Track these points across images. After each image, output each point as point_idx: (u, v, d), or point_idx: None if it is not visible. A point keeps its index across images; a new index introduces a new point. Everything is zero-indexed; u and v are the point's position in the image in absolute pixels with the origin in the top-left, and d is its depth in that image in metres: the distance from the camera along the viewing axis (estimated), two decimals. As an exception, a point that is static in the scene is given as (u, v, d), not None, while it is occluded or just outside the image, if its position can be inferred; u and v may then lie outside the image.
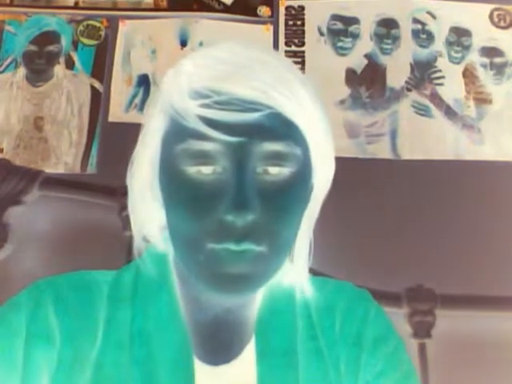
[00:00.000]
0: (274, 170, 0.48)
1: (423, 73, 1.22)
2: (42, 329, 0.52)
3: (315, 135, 0.52)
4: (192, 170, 0.48)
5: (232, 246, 0.47)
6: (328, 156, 0.55)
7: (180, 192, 0.49)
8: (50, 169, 1.09)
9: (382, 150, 1.17)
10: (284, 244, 0.51)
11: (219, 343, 0.56)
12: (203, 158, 0.47)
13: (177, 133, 0.49)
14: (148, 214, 0.56)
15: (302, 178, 0.51)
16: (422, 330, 1.00)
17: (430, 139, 1.18)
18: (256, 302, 0.58)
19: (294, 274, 0.59)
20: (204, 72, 0.48)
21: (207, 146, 0.47)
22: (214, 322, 0.56)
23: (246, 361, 0.55)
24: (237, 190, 0.46)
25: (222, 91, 0.47)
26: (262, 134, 0.47)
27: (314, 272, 0.61)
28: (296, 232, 0.53)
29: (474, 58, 1.23)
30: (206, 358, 0.54)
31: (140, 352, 0.52)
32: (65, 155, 1.12)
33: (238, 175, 0.47)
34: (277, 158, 0.48)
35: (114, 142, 1.12)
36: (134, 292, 0.56)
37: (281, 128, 0.48)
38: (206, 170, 0.48)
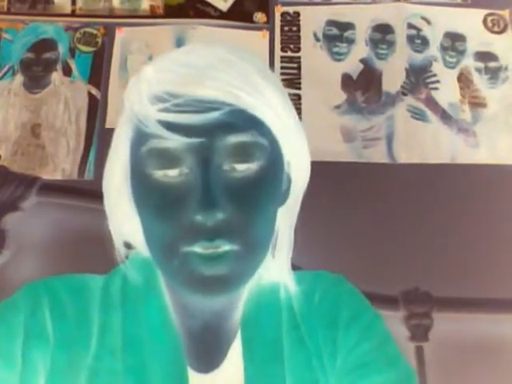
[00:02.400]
0: (241, 166, 0.48)
1: (418, 77, 1.22)
2: (38, 331, 0.52)
3: (282, 128, 0.51)
4: (159, 173, 0.48)
5: (205, 244, 0.47)
6: (302, 150, 0.55)
7: (149, 197, 0.49)
8: (47, 175, 1.09)
9: (378, 155, 1.17)
10: (259, 241, 0.50)
11: (210, 349, 0.56)
12: (168, 160, 0.47)
13: (141, 137, 0.49)
14: (127, 220, 0.55)
15: (272, 172, 0.50)
16: (419, 333, 1.00)
17: (425, 143, 1.18)
18: (242, 301, 0.58)
19: (277, 271, 0.58)
20: (163, 76, 0.48)
21: (169, 143, 0.47)
22: (204, 328, 0.56)
23: (234, 360, 0.55)
24: (203, 189, 0.46)
25: (180, 94, 0.46)
26: (224, 130, 0.47)
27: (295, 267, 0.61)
28: (272, 228, 0.53)
29: (469, 62, 1.24)
30: (197, 366, 0.54)
31: (133, 360, 0.52)
32: (62, 162, 1.13)
33: (203, 174, 0.46)
34: (243, 152, 0.48)
35: (111, 149, 1.12)
36: (123, 299, 0.56)
37: (243, 122, 0.47)
38: (173, 172, 0.48)
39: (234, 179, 0.48)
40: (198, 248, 0.47)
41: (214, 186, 0.46)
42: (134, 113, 0.49)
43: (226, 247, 0.47)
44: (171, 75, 0.48)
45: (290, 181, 0.56)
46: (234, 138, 0.47)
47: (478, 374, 1.03)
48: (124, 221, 0.56)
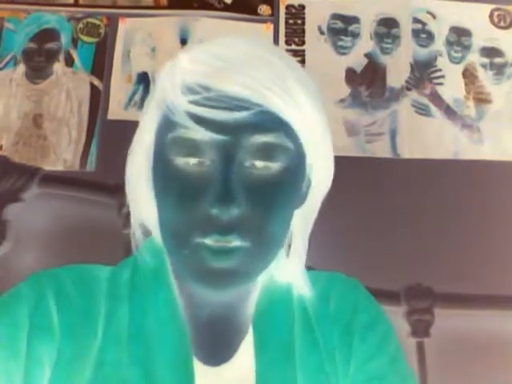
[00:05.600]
0: (263, 164, 0.48)
1: (423, 72, 1.22)
2: (43, 322, 0.51)
3: (310, 133, 0.51)
4: (181, 160, 0.48)
5: (217, 238, 0.47)
6: (326, 155, 0.55)
7: (168, 183, 0.49)
8: (49, 166, 1.09)
9: (381, 149, 1.17)
10: (271, 240, 0.50)
11: (218, 341, 0.56)
12: (192, 149, 0.47)
13: (168, 124, 0.49)
14: (145, 203, 0.56)
15: (293, 174, 0.50)
16: (421, 329, 1.00)
17: (429, 138, 1.18)
18: (253, 296, 0.58)
19: (290, 273, 0.58)
20: (197, 67, 0.48)
21: (196, 135, 0.47)
22: (212, 319, 0.56)
23: (244, 356, 0.55)
24: (222, 183, 0.46)
25: (212, 88, 0.46)
26: (251, 130, 0.47)
27: (307, 267, 0.61)
28: (286, 228, 0.53)
29: (474, 57, 1.23)
30: (205, 359, 0.54)
31: (139, 352, 0.52)
32: (64, 152, 1.12)
33: (224, 168, 0.47)
34: (267, 153, 0.48)
35: (113, 140, 1.12)
36: (131, 289, 0.56)
37: (271, 123, 0.48)
38: (194, 161, 0.48)
39: (254, 177, 0.48)
40: (209, 240, 0.47)
41: (234, 182, 0.46)
42: (164, 100, 0.49)
43: (237, 243, 0.48)
44: (205, 67, 0.48)
45: (310, 184, 0.55)
46: (259, 139, 0.47)
47: (479, 370, 1.03)
48: (142, 203, 0.56)
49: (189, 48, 0.52)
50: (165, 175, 0.50)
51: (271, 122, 0.47)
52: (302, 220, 0.57)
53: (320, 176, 0.56)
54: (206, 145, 0.47)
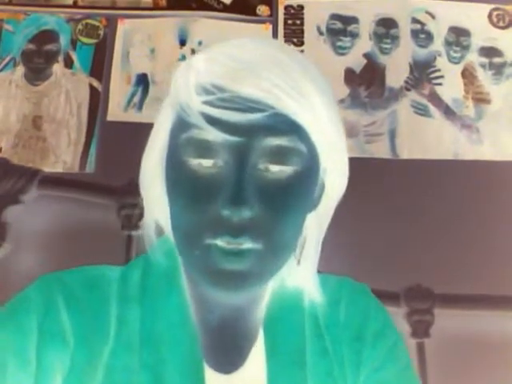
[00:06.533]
0: (276, 168, 0.48)
1: (422, 72, 1.22)
2: (55, 329, 0.50)
3: (324, 137, 0.50)
4: (194, 161, 0.48)
5: (229, 239, 0.47)
6: (341, 159, 0.55)
7: (181, 183, 0.49)
8: (48, 168, 1.09)
9: (380, 150, 1.17)
10: (283, 243, 0.50)
11: (228, 347, 0.55)
12: (205, 150, 0.47)
13: (182, 124, 0.49)
14: (159, 202, 0.55)
15: (305, 178, 0.50)
16: (421, 330, 1.00)
17: (428, 139, 1.18)
18: (263, 301, 0.58)
19: (301, 278, 0.58)
20: (212, 68, 0.48)
21: (209, 136, 0.47)
22: (223, 323, 0.56)
23: (255, 362, 0.55)
24: (235, 185, 0.46)
25: (226, 88, 0.46)
26: (265, 132, 0.47)
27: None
28: (297, 232, 0.53)
29: (473, 57, 1.24)
30: (216, 365, 0.54)
31: (150, 356, 0.51)
32: (63, 154, 1.12)
33: (237, 170, 0.47)
34: (280, 156, 0.48)
35: (112, 141, 1.12)
36: (142, 291, 0.55)
37: (285, 126, 0.47)
38: (207, 162, 0.48)
39: (266, 179, 0.48)
40: (220, 242, 0.47)
41: (247, 184, 0.46)
42: (178, 100, 0.49)
43: (248, 245, 0.47)
44: (220, 68, 0.48)
45: (323, 188, 0.55)
46: (273, 141, 0.47)
47: (479, 370, 1.03)
48: (156, 202, 0.56)
49: (205, 49, 0.52)
50: (177, 176, 0.50)
51: (284, 125, 0.47)
52: (316, 224, 0.57)
53: (334, 180, 0.55)
54: (220, 146, 0.47)
